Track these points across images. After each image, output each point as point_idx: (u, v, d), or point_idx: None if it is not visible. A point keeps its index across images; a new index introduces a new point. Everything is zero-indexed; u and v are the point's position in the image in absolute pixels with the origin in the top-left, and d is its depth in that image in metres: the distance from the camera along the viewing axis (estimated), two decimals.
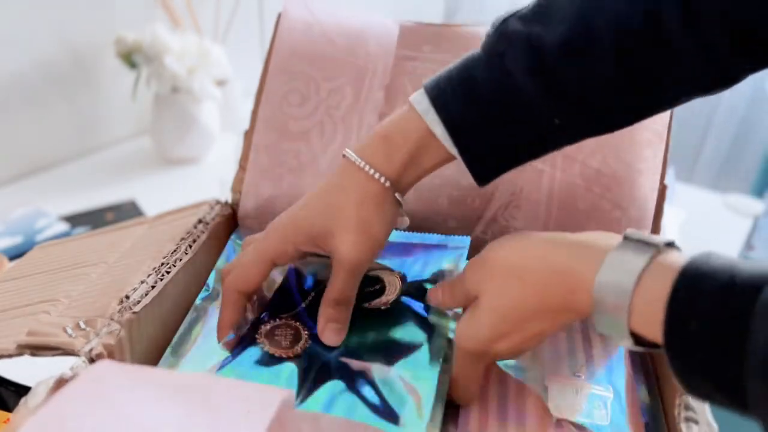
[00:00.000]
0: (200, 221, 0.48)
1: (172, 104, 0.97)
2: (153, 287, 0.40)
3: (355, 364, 0.38)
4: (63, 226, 0.80)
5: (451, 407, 0.38)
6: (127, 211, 0.86)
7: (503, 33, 0.38)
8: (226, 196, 0.53)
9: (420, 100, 0.39)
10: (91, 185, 0.93)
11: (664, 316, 0.27)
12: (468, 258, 0.45)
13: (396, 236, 0.47)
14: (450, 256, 0.46)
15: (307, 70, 0.53)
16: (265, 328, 0.41)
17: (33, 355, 0.34)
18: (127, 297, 0.39)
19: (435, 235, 0.48)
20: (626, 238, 0.31)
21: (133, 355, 0.38)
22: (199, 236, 0.47)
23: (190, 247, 0.45)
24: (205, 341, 0.42)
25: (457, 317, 0.41)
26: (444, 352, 0.39)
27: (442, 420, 0.36)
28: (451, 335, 0.40)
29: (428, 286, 0.43)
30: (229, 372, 0.38)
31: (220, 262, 0.48)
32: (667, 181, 0.48)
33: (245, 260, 0.40)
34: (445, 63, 0.51)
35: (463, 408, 0.38)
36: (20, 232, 0.78)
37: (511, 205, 0.48)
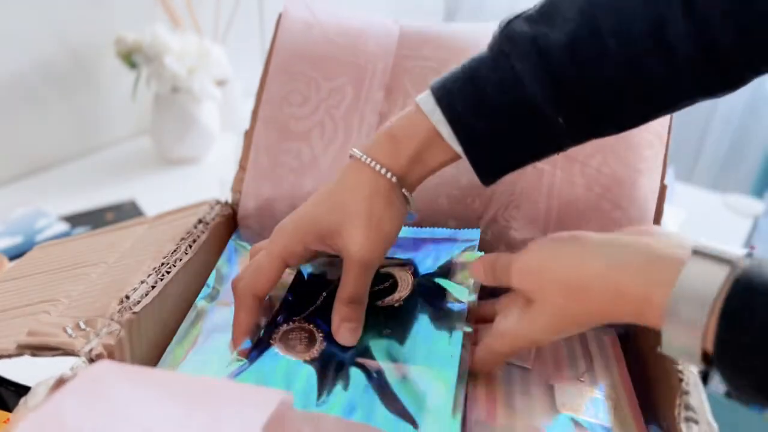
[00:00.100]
0: (200, 221, 0.48)
1: (172, 104, 0.97)
2: (153, 287, 0.40)
3: (372, 364, 0.38)
4: (63, 226, 0.80)
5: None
6: (127, 211, 0.86)
7: (509, 34, 0.38)
8: (226, 196, 0.53)
9: (426, 100, 0.39)
10: (91, 185, 0.93)
11: (712, 327, 0.27)
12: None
13: (404, 231, 0.47)
14: (460, 249, 0.45)
15: (308, 70, 0.53)
16: (278, 332, 0.40)
17: (33, 355, 0.34)
18: (127, 297, 0.39)
19: (444, 228, 0.48)
20: (696, 252, 0.29)
21: (133, 355, 0.38)
22: (199, 236, 0.47)
23: (190, 247, 0.45)
24: (205, 341, 0.42)
25: (473, 308, 0.41)
26: (461, 347, 0.38)
27: None
28: (467, 329, 0.40)
29: (439, 280, 0.43)
30: (247, 378, 0.38)
31: (221, 262, 0.48)
32: (667, 181, 0.48)
33: (257, 261, 0.40)
34: (445, 62, 0.52)
35: (471, 398, 0.38)
36: (20, 232, 0.78)
37: (511, 205, 0.48)
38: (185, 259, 0.44)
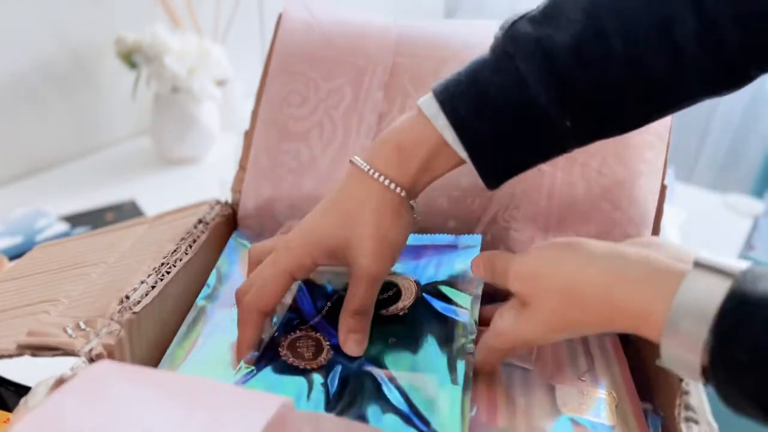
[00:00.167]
0: (200, 221, 0.48)
1: (172, 104, 0.97)
2: (153, 287, 0.40)
3: (379, 371, 0.38)
4: (63, 226, 0.80)
5: None
6: (127, 211, 0.86)
7: (512, 35, 0.37)
8: (226, 196, 0.53)
9: (429, 104, 0.39)
10: (91, 185, 0.93)
11: (709, 343, 0.27)
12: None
13: None
14: (462, 257, 0.45)
15: (307, 70, 0.53)
16: (286, 340, 0.41)
17: (33, 355, 0.34)
18: (127, 297, 0.39)
19: (444, 235, 0.48)
20: (697, 265, 0.29)
21: (133, 355, 0.38)
22: (199, 236, 0.47)
23: (190, 247, 0.45)
24: (206, 342, 0.42)
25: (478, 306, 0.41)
26: (466, 352, 0.39)
27: None
28: (471, 337, 0.40)
29: (443, 288, 0.43)
30: (255, 385, 0.38)
31: (221, 262, 0.48)
32: (667, 181, 0.48)
33: (263, 276, 0.40)
34: (444, 62, 0.52)
35: (472, 399, 0.38)
36: (20, 232, 0.78)
37: (511, 206, 0.48)
38: (185, 259, 0.44)
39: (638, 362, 0.42)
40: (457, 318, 0.41)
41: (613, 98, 0.36)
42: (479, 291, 0.43)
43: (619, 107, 0.37)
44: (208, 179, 0.93)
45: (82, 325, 0.36)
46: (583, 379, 0.40)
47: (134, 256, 0.45)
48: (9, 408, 0.43)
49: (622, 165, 0.48)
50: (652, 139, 0.48)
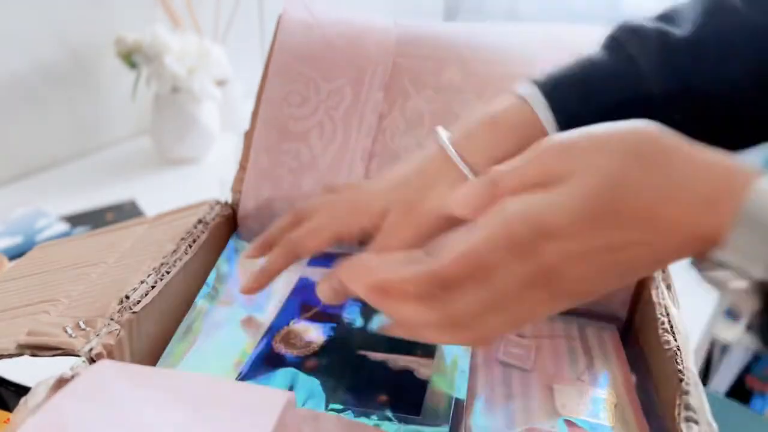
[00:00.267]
0: (200, 221, 0.48)
1: (172, 104, 0.97)
2: (153, 287, 0.40)
3: (374, 355, 0.39)
4: (63, 226, 0.80)
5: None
6: (127, 211, 0.86)
7: (628, 27, 0.36)
8: (226, 196, 0.53)
9: (526, 88, 0.36)
10: (91, 185, 0.93)
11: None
12: None
13: None
14: None
15: (307, 71, 0.53)
16: (279, 334, 0.41)
17: (33, 355, 0.34)
18: (127, 297, 0.39)
19: None
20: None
21: (133, 354, 0.38)
22: (199, 236, 0.47)
23: (190, 247, 0.45)
24: (205, 340, 0.42)
25: None
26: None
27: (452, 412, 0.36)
28: None
29: None
30: (250, 376, 0.38)
31: (220, 262, 0.48)
32: None
33: (316, 225, 0.38)
34: (444, 62, 0.52)
35: (471, 402, 0.38)
36: (20, 232, 0.78)
37: None
38: (185, 259, 0.44)
39: (638, 362, 0.42)
40: None
41: (729, 99, 0.35)
42: None
43: (733, 111, 0.35)
44: (208, 179, 0.93)
45: (82, 325, 0.36)
46: (582, 379, 0.40)
47: (134, 256, 0.45)
48: (9, 408, 0.43)
49: None
50: None
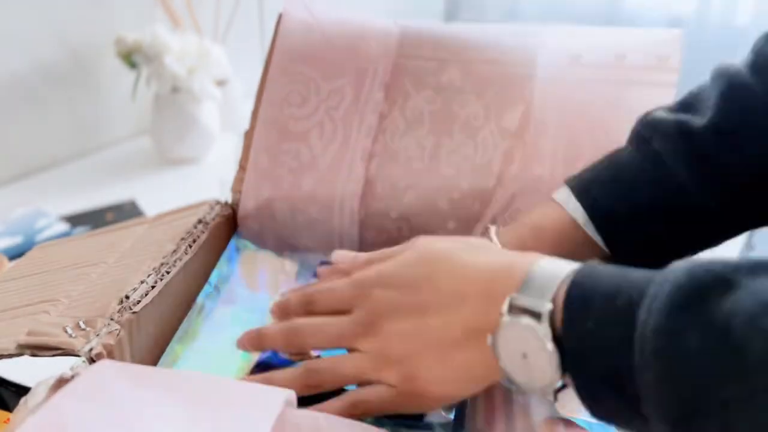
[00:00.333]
0: (200, 221, 0.48)
1: (172, 104, 0.97)
2: (153, 287, 0.40)
3: None
4: (63, 226, 0.80)
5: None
6: (127, 211, 0.86)
7: (648, 121, 0.38)
8: (226, 196, 0.53)
9: (560, 191, 0.39)
10: (91, 185, 0.93)
11: (561, 316, 0.27)
12: None
13: None
14: None
15: (307, 71, 0.53)
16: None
17: (33, 355, 0.34)
18: (127, 297, 0.39)
19: None
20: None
21: (133, 354, 0.38)
22: (199, 236, 0.47)
23: (190, 247, 0.45)
24: (206, 339, 0.42)
25: None
26: None
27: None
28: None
29: None
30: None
31: (222, 261, 0.48)
32: None
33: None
34: (445, 64, 0.52)
35: (470, 406, 0.38)
36: (20, 232, 0.78)
37: (511, 208, 0.48)
38: (185, 259, 0.44)
39: None
40: None
41: (758, 177, 0.36)
42: None
43: (762, 189, 0.36)
44: (208, 179, 0.93)
45: (82, 325, 0.36)
46: None
47: (134, 256, 0.45)
48: (9, 408, 0.43)
49: None
50: None
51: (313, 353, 0.39)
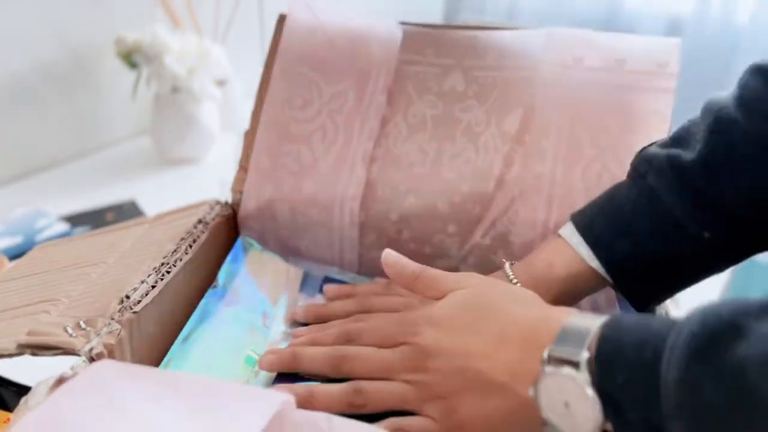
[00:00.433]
0: (200, 221, 0.48)
1: (172, 104, 0.97)
2: (153, 287, 0.40)
3: None
4: (63, 226, 0.80)
5: None
6: (127, 211, 0.86)
7: (644, 156, 0.40)
8: (226, 196, 0.53)
9: (565, 228, 0.41)
10: (91, 185, 0.93)
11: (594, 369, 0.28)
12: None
13: None
14: None
15: (310, 73, 0.53)
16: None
17: (33, 354, 0.34)
18: (128, 297, 0.39)
19: None
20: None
21: (134, 354, 0.38)
22: (199, 236, 0.47)
23: (190, 247, 0.45)
24: (210, 339, 0.42)
25: None
26: None
27: None
28: None
29: None
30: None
31: (228, 261, 0.48)
32: None
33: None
34: (449, 68, 0.52)
35: None
36: (20, 232, 0.78)
37: (510, 211, 0.48)
38: (185, 259, 0.44)
39: None
40: None
41: (747, 206, 0.37)
42: None
43: (754, 215, 0.37)
44: (208, 179, 0.93)
45: (83, 325, 0.36)
46: None
47: (134, 256, 0.45)
48: (9, 408, 0.43)
49: (623, 169, 0.48)
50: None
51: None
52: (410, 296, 0.41)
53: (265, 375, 0.40)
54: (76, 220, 0.83)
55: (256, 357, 0.40)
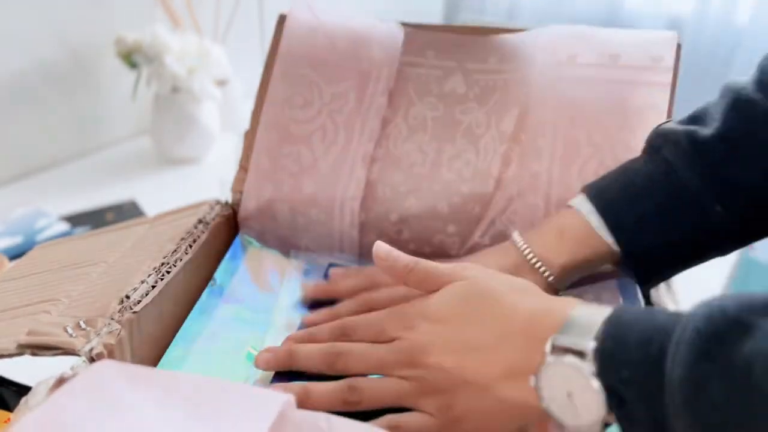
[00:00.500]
0: (200, 221, 0.48)
1: (172, 104, 0.97)
2: (153, 287, 0.40)
3: None
4: (63, 226, 0.80)
5: None
6: (127, 211, 0.86)
7: (659, 132, 0.40)
8: (226, 196, 0.53)
9: (579, 201, 0.41)
10: (91, 185, 0.93)
11: (597, 365, 0.28)
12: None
13: None
14: None
15: (311, 74, 0.53)
16: None
17: (33, 354, 0.34)
18: (128, 297, 0.39)
19: None
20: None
21: (133, 354, 0.38)
22: (199, 236, 0.47)
23: (191, 247, 0.45)
24: (209, 337, 0.42)
25: None
26: None
27: None
28: None
29: None
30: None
31: (227, 259, 0.48)
32: None
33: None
34: (450, 71, 0.52)
35: None
36: (20, 232, 0.78)
37: (509, 210, 0.48)
38: (185, 259, 0.44)
39: None
40: None
41: (762, 184, 0.37)
42: None
43: None
44: (208, 179, 0.93)
45: (83, 325, 0.36)
46: None
47: (134, 255, 0.45)
48: (9, 408, 0.43)
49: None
50: None
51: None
52: None
53: (265, 372, 0.40)
54: (76, 220, 0.83)
55: (256, 354, 0.40)
